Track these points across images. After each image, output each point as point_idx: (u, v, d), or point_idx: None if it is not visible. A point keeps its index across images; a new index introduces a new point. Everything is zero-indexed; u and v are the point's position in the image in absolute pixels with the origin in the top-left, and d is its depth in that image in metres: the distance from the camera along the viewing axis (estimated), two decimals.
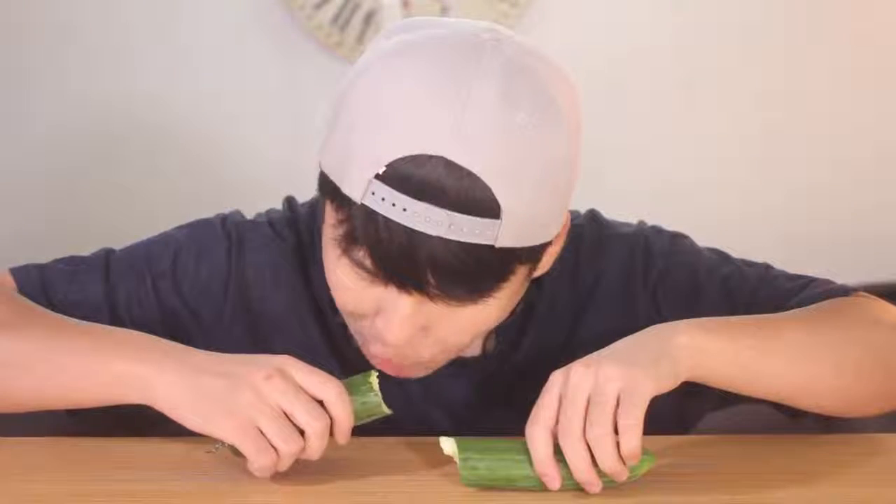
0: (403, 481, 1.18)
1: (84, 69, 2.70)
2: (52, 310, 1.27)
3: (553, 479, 1.13)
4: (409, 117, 1.12)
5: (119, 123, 2.72)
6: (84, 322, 1.25)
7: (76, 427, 1.28)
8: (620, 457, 1.11)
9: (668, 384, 1.15)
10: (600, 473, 1.13)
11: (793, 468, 1.22)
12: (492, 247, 1.13)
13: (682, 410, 1.35)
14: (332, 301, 1.23)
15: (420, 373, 1.25)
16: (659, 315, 1.31)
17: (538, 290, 1.31)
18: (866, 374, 1.25)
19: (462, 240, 1.12)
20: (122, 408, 1.20)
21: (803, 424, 1.31)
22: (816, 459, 1.24)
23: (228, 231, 1.35)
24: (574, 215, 1.36)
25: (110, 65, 2.70)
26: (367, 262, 1.15)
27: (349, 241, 1.15)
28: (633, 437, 1.11)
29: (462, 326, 1.18)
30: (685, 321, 1.21)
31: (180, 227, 1.38)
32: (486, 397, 1.33)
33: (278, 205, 1.39)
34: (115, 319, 1.31)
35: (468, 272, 1.13)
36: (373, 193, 1.12)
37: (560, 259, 1.25)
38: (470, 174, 1.11)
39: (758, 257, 1.39)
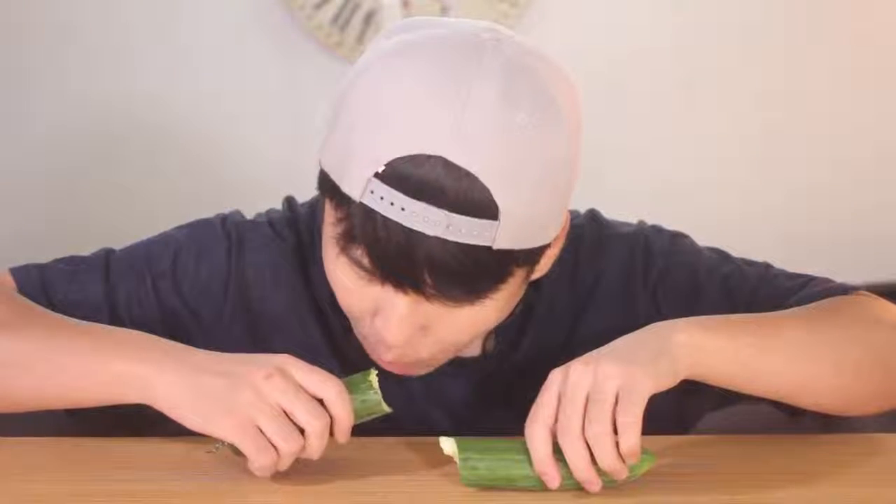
0: (403, 481, 1.18)
1: (84, 69, 2.70)
2: (52, 310, 1.28)
3: (552, 477, 1.13)
4: (409, 117, 1.12)
5: (119, 123, 2.72)
6: (84, 322, 1.25)
7: (76, 427, 1.28)
8: (620, 455, 1.11)
9: (667, 382, 1.15)
10: (600, 473, 1.13)
11: (793, 468, 1.22)
12: (489, 248, 1.13)
13: (681, 409, 1.35)
14: (332, 300, 1.24)
15: (422, 370, 1.25)
16: (659, 314, 1.31)
17: (538, 290, 1.31)
18: (866, 373, 1.25)
19: (460, 240, 1.12)
20: (122, 408, 1.20)
21: (803, 424, 1.31)
22: (816, 459, 1.24)
23: (228, 231, 1.35)
24: (574, 215, 1.36)
25: (110, 65, 2.70)
26: (365, 261, 1.15)
27: (347, 240, 1.15)
28: (631, 434, 1.11)
29: (460, 327, 1.18)
30: (684, 319, 1.21)
31: (180, 227, 1.38)
32: (486, 397, 1.33)
33: (278, 205, 1.39)
34: (115, 319, 1.31)
35: (465, 273, 1.13)
36: (371, 192, 1.12)
37: (560, 259, 1.25)
38: (469, 175, 1.11)
39: (758, 257, 1.39)
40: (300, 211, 1.37)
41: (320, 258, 1.22)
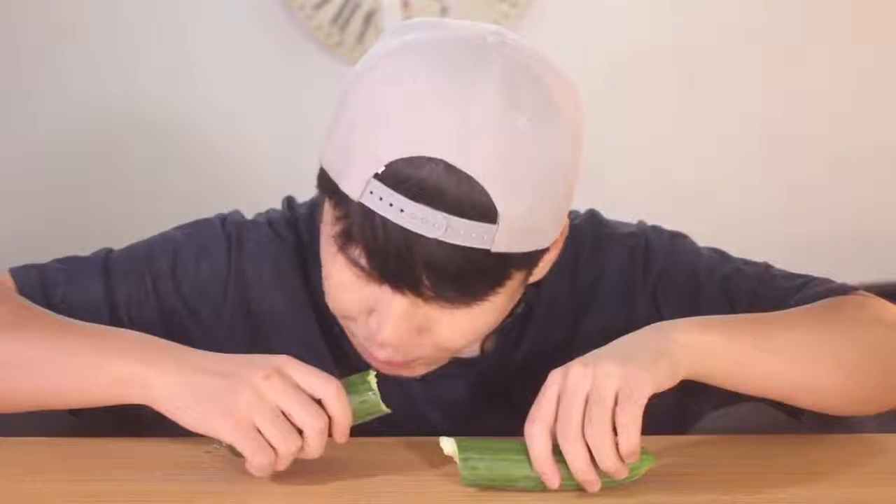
0: (403, 481, 1.18)
1: (84, 69, 2.70)
2: (52, 310, 1.27)
3: (552, 477, 1.12)
4: (411, 118, 1.12)
5: (119, 123, 2.72)
6: (84, 323, 1.25)
7: (76, 427, 1.28)
8: (620, 455, 1.11)
9: (666, 382, 1.15)
10: (600, 473, 1.13)
11: (793, 468, 1.22)
12: (487, 251, 1.13)
13: (681, 409, 1.35)
14: None
15: (418, 371, 1.25)
16: (659, 315, 1.31)
17: (538, 291, 1.31)
18: (866, 373, 1.25)
19: (458, 243, 1.12)
20: (122, 408, 1.20)
21: (803, 424, 1.31)
22: (816, 459, 1.24)
23: (228, 231, 1.35)
24: (573, 215, 1.36)
25: (110, 65, 2.70)
26: (363, 261, 1.15)
27: (346, 239, 1.15)
28: (631, 434, 1.11)
29: (457, 329, 1.18)
30: (684, 319, 1.21)
31: (180, 227, 1.38)
32: (486, 397, 1.33)
33: (278, 205, 1.39)
34: (115, 319, 1.31)
35: (463, 275, 1.13)
36: (371, 192, 1.12)
37: (560, 259, 1.25)
38: (469, 178, 1.11)
39: (758, 257, 1.39)
40: (300, 211, 1.37)
41: (320, 258, 1.22)
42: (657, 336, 1.17)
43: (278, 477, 1.16)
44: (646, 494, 1.15)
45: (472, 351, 1.31)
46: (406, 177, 1.11)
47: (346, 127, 1.15)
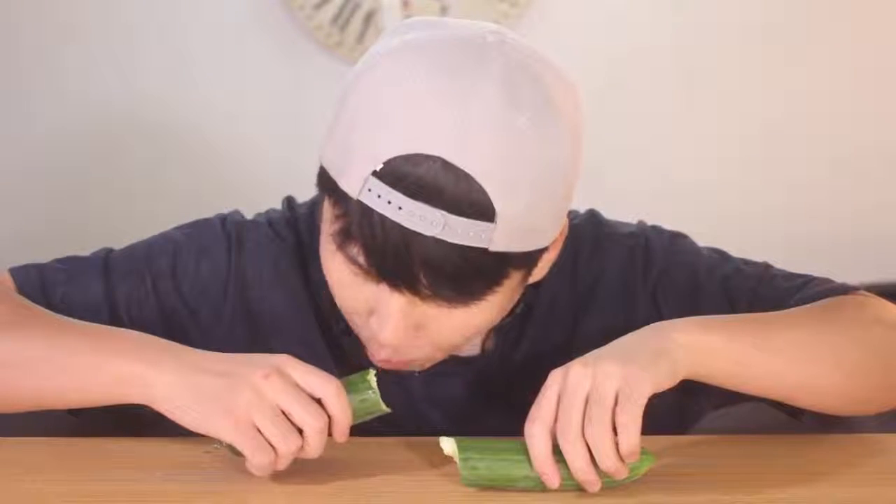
0: (403, 481, 1.18)
1: (84, 69, 2.70)
2: (52, 310, 1.27)
3: (552, 477, 1.12)
4: (410, 117, 1.12)
5: (119, 123, 2.72)
6: (83, 322, 1.25)
7: (75, 427, 1.28)
8: (620, 455, 1.11)
9: (666, 382, 1.15)
10: (600, 473, 1.13)
11: (793, 468, 1.22)
12: (485, 250, 1.13)
13: (682, 409, 1.35)
14: (331, 300, 1.24)
15: (416, 367, 1.25)
16: (659, 315, 1.31)
17: (537, 290, 1.31)
18: (866, 373, 1.24)
19: (455, 241, 1.12)
20: (121, 408, 1.20)
21: (803, 424, 1.31)
22: (816, 459, 1.24)
23: (228, 231, 1.35)
24: (573, 215, 1.36)
25: (110, 65, 2.70)
26: (361, 259, 1.15)
27: (344, 237, 1.15)
28: (631, 434, 1.11)
29: (455, 328, 1.18)
30: (684, 319, 1.21)
31: (180, 227, 1.38)
32: (486, 397, 1.33)
33: (278, 204, 1.39)
34: (115, 319, 1.31)
35: (460, 274, 1.13)
36: (369, 190, 1.12)
37: (560, 259, 1.25)
38: (467, 176, 1.11)
39: (758, 257, 1.39)
40: (300, 211, 1.37)
41: (320, 258, 1.22)
42: (657, 336, 1.17)
43: (278, 477, 1.16)
44: (646, 494, 1.15)
45: (473, 350, 1.31)
46: (404, 174, 1.11)
47: (346, 125, 1.16)
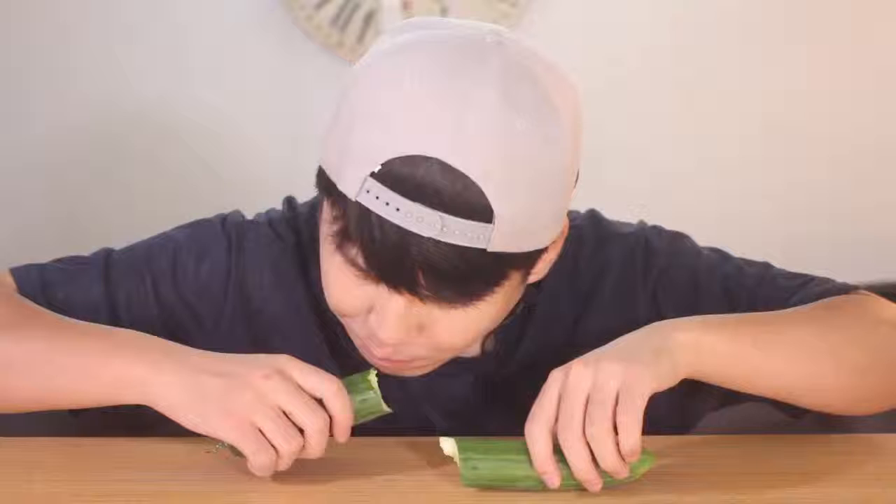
0: (403, 481, 1.18)
1: (84, 69, 2.70)
2: (52, 310, 1.27)
3: (552, 477, 1.12)
4: (409, 118, 1.12)
5: (119, 123, 2.72)
6: (84, 323, 1.25)
7: (76, 427, 1.28)
8: (620, 455, 1.11)
9: (667, 382, 1.15)
10: (601, 472, 1.13)
11: (793, 468, 1.22)
12: (484, 251, 1.13)
13: (682, 409, 1.35)
14: None
15: (418, 371, 1.25)
16: (659, 315, 1.31)
17: (538, 291, 1.31)
18: (866, 373, 1.24)
19: (454, 242, 1.12)
20: (122, 408, 1.20)
21: (803, 424, 1.31)
22: (816, 459, 1.24)
23: (228, 231, 1.35)
24: (574, 215, 1.36)
25: (110, 65, 2.70)
26: (360, 260, 1.15)
27: (343, 238, 1.15)
28: (632, 434, 1.11)
29: (454, 328, 1.18)
30: (685, 318, 1.21)
31: (180, 227, 1.38)
32: (486, 397, 1.33)
33: (278, 205, 1.39)
34: (115, 320, 1.31)
35: (459, 275, 1.13)
36: (367, 191, 1.12)
37: (560, 259, 1.25)
38: (464, 177, 1.11)
39: (758, 257, 1.39)
40: (300, 211, 1.37)
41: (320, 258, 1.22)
42: (658, 335, 1.17)
43: (279, 477, 1.16)
44: (646, 494, 1.15)
45: (473, 351, 1.31)
46: (402, 175, 1.11)
47: (345, 126, 1.15)
